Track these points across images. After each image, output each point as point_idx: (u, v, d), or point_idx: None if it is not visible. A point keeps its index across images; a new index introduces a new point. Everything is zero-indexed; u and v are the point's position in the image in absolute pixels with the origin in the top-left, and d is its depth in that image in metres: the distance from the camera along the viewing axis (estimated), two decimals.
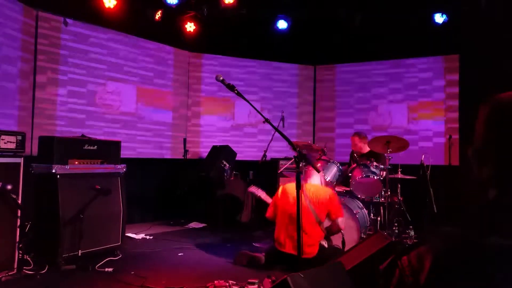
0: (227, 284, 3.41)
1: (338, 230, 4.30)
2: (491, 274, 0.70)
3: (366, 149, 5.74)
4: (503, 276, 0.69)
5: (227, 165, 6.61)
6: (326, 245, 4.16)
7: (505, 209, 0.76)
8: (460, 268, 0.71)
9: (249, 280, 3.41)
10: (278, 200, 4.31)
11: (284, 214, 4.16)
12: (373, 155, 5.38)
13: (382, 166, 5.13)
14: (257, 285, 3.32)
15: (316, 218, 4.08)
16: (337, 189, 5.12)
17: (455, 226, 0.76)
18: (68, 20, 5.81)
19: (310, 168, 4.24)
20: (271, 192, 6.45)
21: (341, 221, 4.23)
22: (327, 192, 4.30)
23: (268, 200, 4.62)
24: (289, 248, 4.00)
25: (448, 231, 0.76)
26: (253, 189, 4.85)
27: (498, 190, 0.78)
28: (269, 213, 4.40)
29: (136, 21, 6.51)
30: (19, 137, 3.79)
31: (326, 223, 4.26)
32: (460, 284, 0.71)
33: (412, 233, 5.08)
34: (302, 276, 2.25)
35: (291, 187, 4.28)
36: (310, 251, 3.96)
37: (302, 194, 3.96)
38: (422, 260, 0.74)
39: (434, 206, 5.29)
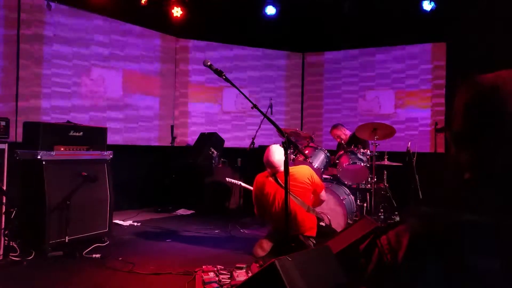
0: (215, 269, 3.43)
1: (322, 202, 4.28)
2: (466, 251, 0.72)
3: (349, 134, 5.86)
4: (478, 252, 0.72)
5: (215, 152, 6.62)
6: (323, 224, 4.21)
7: (480, 188, 0.78)
8: (436, 245, 0.74)
9: (237, 265, 3.44)
10: (256, 198, 4.16)
11: (271, 213, 4.03)
12: (356, 140, 5.44)
13: (369, 152, 5.19)
14: (245, 270, 3.36)
15: (304, 206, 3.94)
16: (323, 176, 5.18)
17: (433, 206, 0.79)
18: (51, 3, 5.68)
19: (269, 152, 4.04)
20: None
21: (323, 193, 4.22)
22: (305, 173, 4.03)
23: (249, 187, 4.61)
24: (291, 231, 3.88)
25: (425, 210, 0.79)
26: (230, 179, 4.90)
27: (475, 171, 0.80)
28: (256, 211, 4.24)
29: (121, 5, 6.38)
30: (3, 123, 3.74)
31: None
32: (436, 260, 0.73)
33: (397, 219, 5.17)
34: (289, 259, 2.27)
35: (261, 180, 4.09)
36: (311, 233, 3.97)
37: (278, 189, 3.90)
38: (400, 239, 0.76)
39: (420, 192, 5.38)
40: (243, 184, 4.89)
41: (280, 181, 3.89)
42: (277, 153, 3.97)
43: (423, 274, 0.73)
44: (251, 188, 4.33)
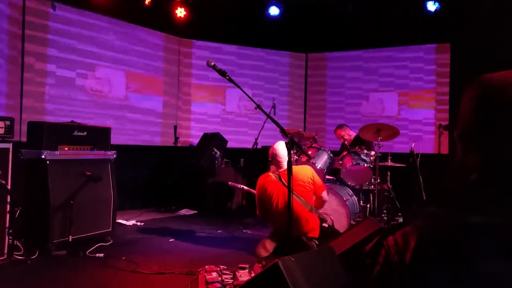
0: (218, 269, 3.44)
1: (324, 202, 4.29)
2: (473, 251, 0.72)
3: (353, 135, 5.83)
4: (484, 253, 0.72)
5: (218, 152, 6.62)
6: (326, 225, 4.21)
7: (488, 190, 0.78)
8: (443, 247, 0.73)
9: (240, 265, 3.44)
10: (259, 199, 4.20)
11: (274, 213, 4.06)
12: (360, 142, 5.43)
13: (372, 153, 5.18)
14: (247, 270, 3.36)
15: (307, 206, 3.97)
16: (326, 176, 5.17)
17: (440, 207, 0.78)
18: (55, 3, 5.70)
19: (274, 150, 4.10)
20: None
21: (325, 194, 4.23)
22: (307, 173, 4.08)
23: (251, 190, 4.61)
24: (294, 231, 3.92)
25: (433, 211, 0.78)
26: (233, 183, 4.91)
27: (481, 171, 0.80)
28: (259, 212, 4.28)
29: (125, 6, 6.40)
30: (8, 122, 3.75)
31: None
32: (443, 261, 0.73)
33: (401, 220, 5.15)
34: (293, 259, 2.27)
35: (263, 181, 4.13)
36: (313, 235, 3.98)
37: (282, 186, 3.91)
38: (407, 240, 0.76)
39: (423, 193, 5.36)
40: (245, 188, 4.91)
41: (283, 180, 3.90)
42: (281, 147, 4.06)
43: (430, 275, 0.72)
44: (254, 191, 4.35)
